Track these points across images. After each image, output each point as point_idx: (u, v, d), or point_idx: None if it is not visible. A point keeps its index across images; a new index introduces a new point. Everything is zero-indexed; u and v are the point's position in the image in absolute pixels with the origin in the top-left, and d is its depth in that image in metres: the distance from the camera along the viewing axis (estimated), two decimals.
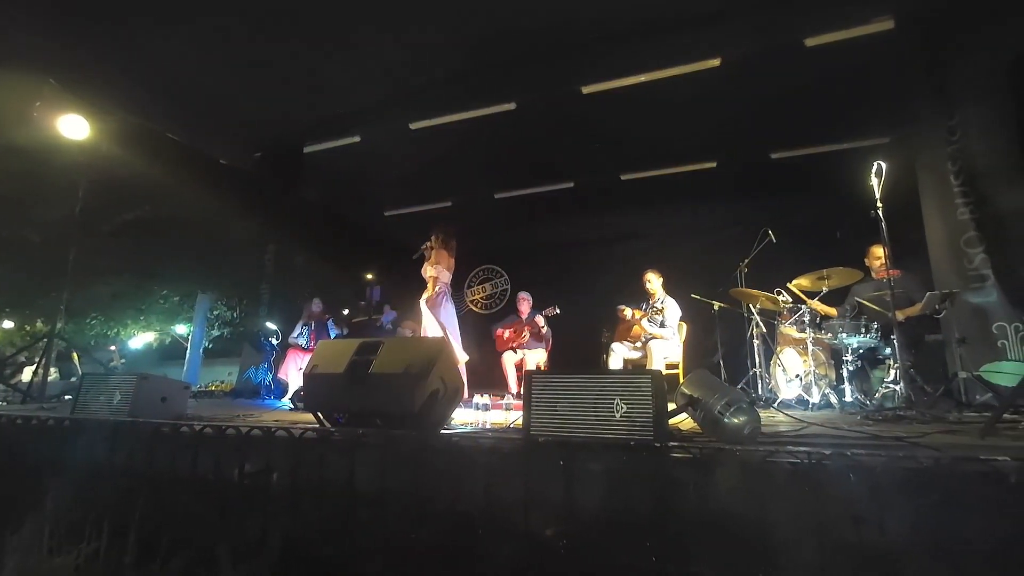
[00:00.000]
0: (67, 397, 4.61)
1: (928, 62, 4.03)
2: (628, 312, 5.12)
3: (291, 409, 4.43)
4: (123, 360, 12.91)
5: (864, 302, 3.94)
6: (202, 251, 9.57)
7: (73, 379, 6.82)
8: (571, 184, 7.23)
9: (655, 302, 4.89)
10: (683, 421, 2.41)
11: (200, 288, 11.92)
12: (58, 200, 6.33)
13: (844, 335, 3.79)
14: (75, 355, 8.03)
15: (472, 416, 3.02)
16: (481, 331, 7.10)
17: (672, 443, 1.74)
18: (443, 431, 2.33)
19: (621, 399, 1.86)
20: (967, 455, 1.40)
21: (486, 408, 2.99)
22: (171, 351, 15.13)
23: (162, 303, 12.33)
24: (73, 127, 4.74)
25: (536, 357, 5.44)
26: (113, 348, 13.66)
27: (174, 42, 4.74)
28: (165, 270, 10.52)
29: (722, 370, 5.01)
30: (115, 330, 12.47)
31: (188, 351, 12.68)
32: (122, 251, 9.01)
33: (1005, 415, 2.40)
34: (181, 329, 13.92)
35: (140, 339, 14.46)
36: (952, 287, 3.60)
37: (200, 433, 2.28)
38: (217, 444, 2.23)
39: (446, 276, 4.62)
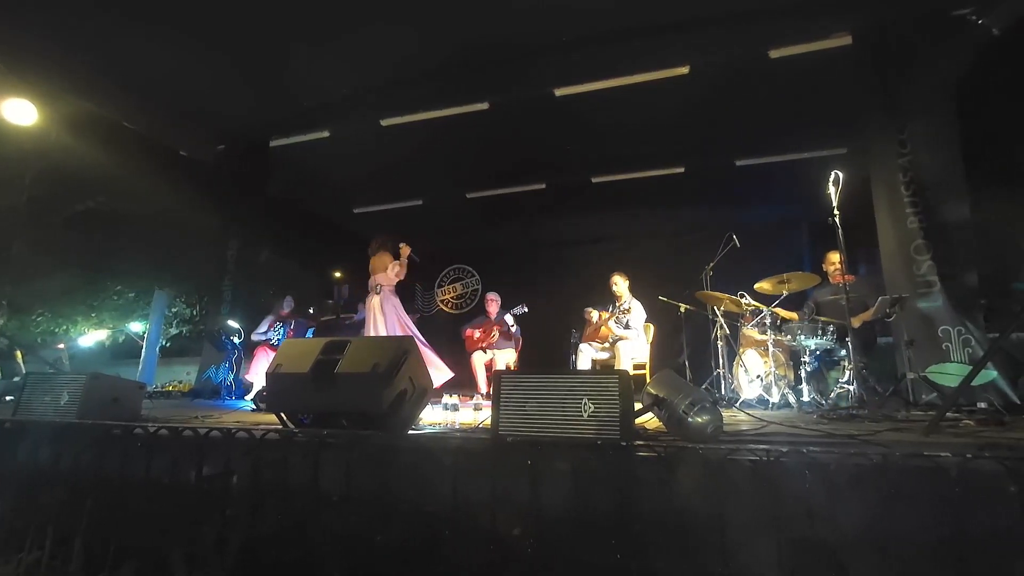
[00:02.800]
0: (9, 398, 4.35)
1: (882, 78, 4.23)
2: (595, 314, 5.19)
3: (253, 410, 4.30)
4: (70, 358, 12.25)
5: (821, 319, 4.10)
6: (160, 246, 9.19)
7: (16, 379, 6.42)
8: (543, 185, 7.27)
9: (621, 304, 4.97)
10: (649, 420, 2.46)
11: (157, 284, 11.43)
12: (2, 189, 5.96)
13: (802, 337, 3.94)
14: (19, 353, 7.56)
15: (441, 416, 3.00)
16: (451, 331, 7.07)
17: (638, 442, 1.77)
18: (411, 431, 2.30)
19: (589, 399, 1.88)
20: (913, 452, 1.47)
21: (455, 408, 2.98)
22: (125, 350, 14.44)
23: (116, 299, 11.74)
24: (20, 112, 4.48)
25: (506, 357, 5.45)
26: (61, 346, 12.94)
27: (130, 25, 4.53)
28: (119, 265, 10.04)
29: (687, 370, 5.13)
30: (64, 327, 11.81)
31: (144, 350, 12.13)
32: (72, 244, 8.56)
33: (948, 413, 2.54)
34: (136, 327, 13.31)
35: (91, 337, 13.71)
36: (902, 292, 3.78)
37: (155, 435, 2.19)
38: (173, 446, 2.14)
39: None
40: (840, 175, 3.39)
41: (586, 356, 4.98)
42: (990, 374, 3.20)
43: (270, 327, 5.98)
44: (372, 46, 4.82)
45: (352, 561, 1.74)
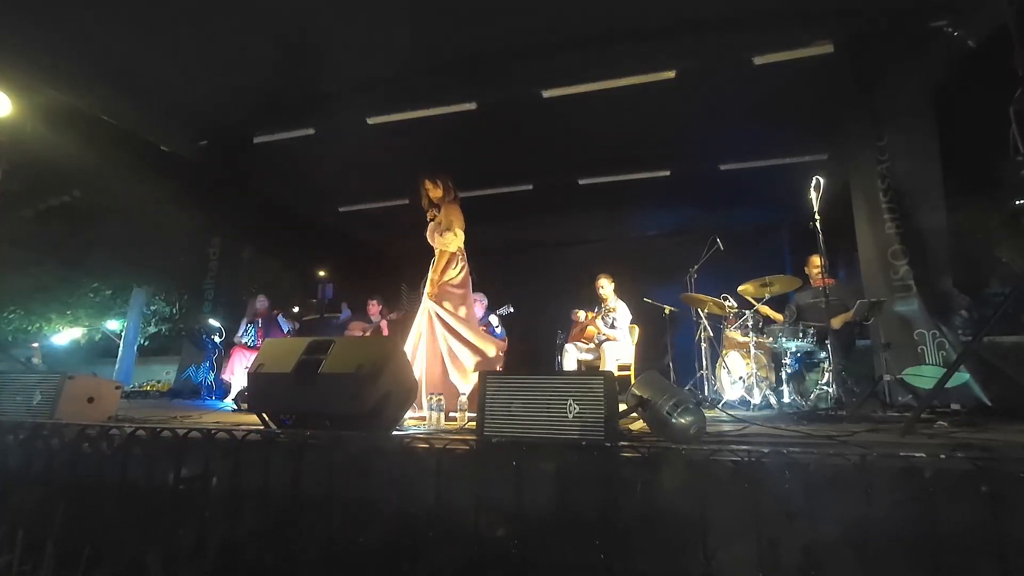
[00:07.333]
0: None
1: (862, 86, 4.32)
2: (581, 315, 5.23)
3: (234, 410, 4.24)
4: (43, 357, 11.94)
5: (802, 322, 4.18)
6: (139, 242, 9.01)
7: None
8: (530, 186, 7.28)
9: (607, 305, 5.02)
10: (634, 422, 2.47)
11: (135, 281, 11.19)
12: None
13: (783, 339, 4.00)
14: None
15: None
16: None
17: (622, 443, 1.78)
18: (395, 432, 2.29)
19: (574, 400, 1.89)
20: (889, 452, 1.51)
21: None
22: (102, 348, 14.10)
23: (92, 297, 11.47)
24: None
25: None
26: (35, 345, 12.61)
27: (110, 16, 4.43)
28: (96, 261, 9.81)
29: (671, 372, 5.18)
30: (37, 325, 11.51)
31: (121, 348, 11.87)
32: (47, 239, 8.34)
33: (923, 415, 2.60)
34: (113, 325, 13.01)
35: (66, 335, 13.37)
36: (880, 296, 3.86)
37: (132, 435, 2.14)
38: (151, 447, 2.09)
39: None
40: (821, 181, 3.46)
41: (571, 357, 5.00)
42: (963, 377, 3.28)
43: (244, 329, 5.91)
44: (359, 44, 4.78)
45: (334, 564, 1.72)
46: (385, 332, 5.89)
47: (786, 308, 4.66)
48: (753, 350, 4.25)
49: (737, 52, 4.65)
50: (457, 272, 3.51)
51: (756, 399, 4.08)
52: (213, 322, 5.91)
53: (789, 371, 4.06)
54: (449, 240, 3.53)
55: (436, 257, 3.56)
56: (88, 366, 12.91)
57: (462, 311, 3.45)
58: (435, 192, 3.70)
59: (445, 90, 5.39)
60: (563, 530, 1.56)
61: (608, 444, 1.74)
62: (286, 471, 1.86)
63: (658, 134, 5.94)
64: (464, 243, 3.61)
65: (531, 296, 7.12)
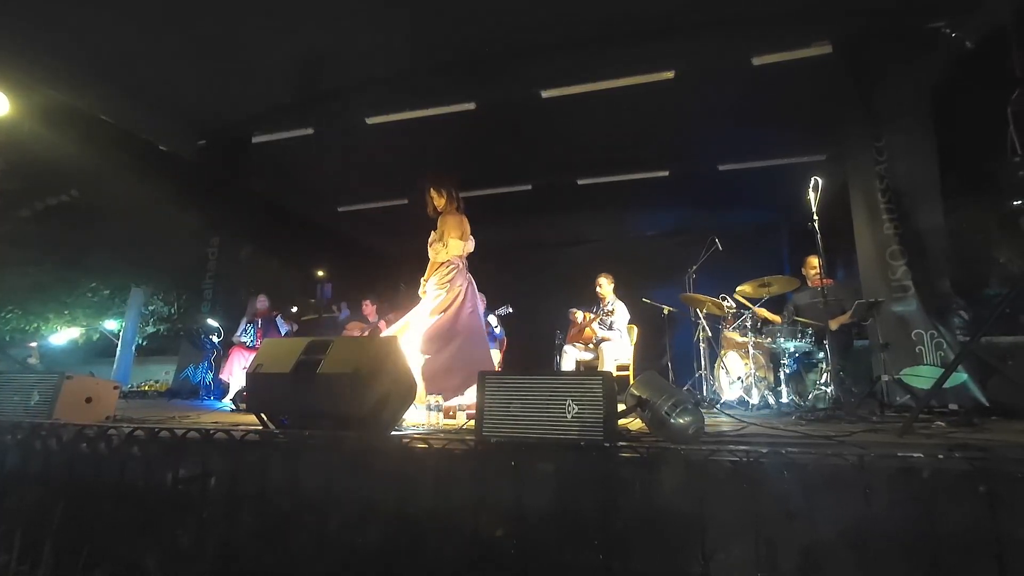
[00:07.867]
0: None
1: (860, 87, 4.33)
2: (579, 315, 5.23)
3: (232, 410, 4.23)
4: (41, 357, 11.91)
5: (801, 320, 4.18)
6: (137, 242, 8.99)
7: None
8: (529, 187, 7.28)
9: (605, 305, 5.01)
10: (632, 421, 2.47)
11: (134, 281, 11.16)
12: None
13: (782, 340, 4.01)
14: None
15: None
16: None
17: (621, 443, 1.78)
18: (394, 433, 2.28)
19: (573, 400, 1.89)
20: (887, 453, 1.51)
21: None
22: (100, 348, 14.06)
23: (90, 296, 11.44)
24: None
25: None
26: (32, 345, 12.58)
27: (106, 14, 4.42)
28: (94, 261, 9.78)
29: (670, 372, 5.18)
30: (35, 325, 11.47)
31: (119, 348, 11.84)
32: (45, 239, 8.31)
33: (921, 415, 2.61)
34: (111, 325, 12.98)
35: (64, 335, 13.33)
36: (878, 296, 3.87)
37: (130, 436, 2.13)
38: (149, 447, 2.09)
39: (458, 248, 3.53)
40: (819, 181, 3.46)
41: (570, 357, 5.00)
42: (961, 377, 3.28)
43: (243, 328, 5.90)
44: (359, 44, 4.78)
45: (333, 564, 1.72)
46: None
47: (784, 308, 4.67)
48: (751, 350, 4.26)
49: (736, 52, 4.66)
50: (441, 279, 3.59)
51: (754, 399, 4.08)
52: (211, 322, 5.91)
53: (787, 371, 4.07)
54: (438, 250, 3.65)
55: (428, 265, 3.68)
56: (86, 366, 12.87)
57: (428, 312, 3.53)
58: (439, 201, 3.82)
59: (444, 90, 5.39)
60: (562, 530, 1.56)
61: (607, 444, 1.74)
62: (285, 472, 1.86)
63: (657, 134, 5.94)
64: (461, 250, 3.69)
65: (530, 296, 7.12)
